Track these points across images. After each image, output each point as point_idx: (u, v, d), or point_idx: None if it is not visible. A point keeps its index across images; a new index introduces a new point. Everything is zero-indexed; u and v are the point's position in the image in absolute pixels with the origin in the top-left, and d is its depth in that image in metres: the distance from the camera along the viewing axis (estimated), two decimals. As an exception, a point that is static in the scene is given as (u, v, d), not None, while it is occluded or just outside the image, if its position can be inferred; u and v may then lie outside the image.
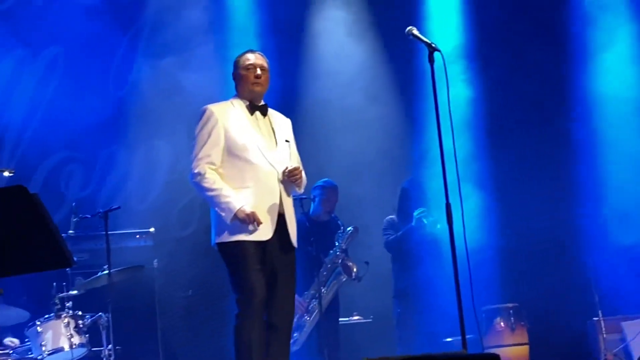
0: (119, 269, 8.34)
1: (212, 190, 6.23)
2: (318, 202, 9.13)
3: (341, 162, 10.65)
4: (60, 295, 8.14)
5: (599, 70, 10.80)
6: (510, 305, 9.38)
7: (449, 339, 8.95)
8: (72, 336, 7.85)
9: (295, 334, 8.63)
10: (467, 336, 5.85)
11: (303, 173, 6.40)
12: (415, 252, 9.02)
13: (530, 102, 10.82)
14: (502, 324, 9.28)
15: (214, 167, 6.28)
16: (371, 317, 9.82)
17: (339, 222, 8.97)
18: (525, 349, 9.27)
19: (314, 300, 8.78)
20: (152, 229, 9.77)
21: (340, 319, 9.46)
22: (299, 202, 8.94)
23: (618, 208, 10.33)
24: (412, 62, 10.49)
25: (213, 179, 6.24)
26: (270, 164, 6.31)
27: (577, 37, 10.94)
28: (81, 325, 8.00)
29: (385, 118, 11.00)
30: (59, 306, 8.04)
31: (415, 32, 6.24)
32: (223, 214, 6.20)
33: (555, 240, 10.34)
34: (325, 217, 9.11)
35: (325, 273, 8.85)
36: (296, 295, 8.37)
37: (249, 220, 6.13)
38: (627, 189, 10.31)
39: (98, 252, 9.01)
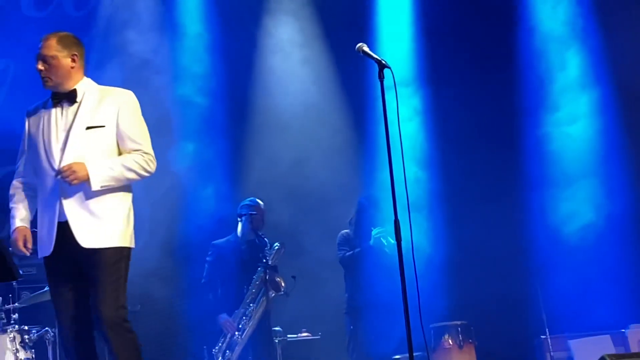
0: (66, 283, 8.20)
1: (9, 208, 5.80)
2: (245, 221, 9.14)
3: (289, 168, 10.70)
4: (7, 307, 8.05)
5: (549, 96, 10.90)
6: (458, 322, 9.40)
7: (397, 357, 8.96)
8: (17, 351, 7.76)
9: (227, 352, 8.80)
10: (415, 354, 5.84)
11: (87, 169, 5.59)
12: (371, 271, 9.04)
13: (480, 123, 10.84)
14: (450, 341, 9.30)
15: (21, 178, 5.84)
16: (319, 333, 9.81)
17: (266, 239, 8.96)
18: (473, 367, 9.31)
19: (243, 318, 8.85)
20: (100, 243, 9.67)
21: (289, 336, 9.49)
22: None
23: (568, 227, 10.42)
24: (362, 76, 10.54)
25: (12, 194, 5.83)
26: (51, 164, 5.64)
27: (528, 64, 11.03)
28: (27, 340, 7.91)
29: (334, 129, 11.02)
30: (4, 320, 7.95)
31: (365, 48, 6.22)
32: None
33: (504, 258, 10.38)
34: (252, 235, 9.11)
35: (254, 290, 8.89)
36: (225, 315, 8.56)
37: (14, 248, 5.67)
38: (578, 210, 10.40)
39: (45, 267, 8.92)
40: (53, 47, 5.81)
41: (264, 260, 8.87)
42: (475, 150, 10.75)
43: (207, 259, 9.17)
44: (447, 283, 10.16)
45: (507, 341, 10.03)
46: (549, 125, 10.82)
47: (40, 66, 5.79)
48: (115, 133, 5.78)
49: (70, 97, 5.79)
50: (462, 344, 9.26)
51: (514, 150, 10.90)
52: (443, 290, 9.99)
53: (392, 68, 6.05)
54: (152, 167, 5.90)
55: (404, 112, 9.56)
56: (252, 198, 9.25)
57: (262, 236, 8.98)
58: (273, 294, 8.88)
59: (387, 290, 8.90)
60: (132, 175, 5.80)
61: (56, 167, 5.61)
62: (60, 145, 5.67)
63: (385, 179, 5.95)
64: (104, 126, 5.73)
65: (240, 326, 8.84)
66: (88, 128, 5.69)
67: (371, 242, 9.04)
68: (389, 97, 5.98)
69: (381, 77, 6.06)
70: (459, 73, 10.93)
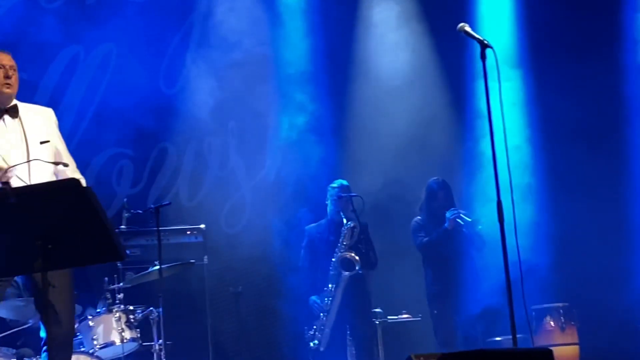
0: (170, 264, 8.32)
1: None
2: (330, 203, 9.20)
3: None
4: (112, 287, 8.19)
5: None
6: (560, 304, 9.35)
7: (497, 338, 8.92)
8: (123, 330, 7.87)
9: (317, 334, 8.98)
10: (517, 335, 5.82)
11: None
12: (450, 254, 9.06)
13: (583, 110, 10.54)
14: (551, 323, 9.24)
15: None
16: (420, 315, 9.80)
17: (343, 219, 9.02)
18: (575, 349, 9.23)
19: (326, 300, 8.98)
20: (202, 226, 9.80)
21: (389, 317, 9.50)
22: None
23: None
24: (460, 55, 10.44)
25: None
26: (21, 178, 5.61)
27: (632, 54, 10.75)
28: (132, 320, 8.01)
29: (431, 110, 10.93)
30: (110, 300, 8.09)
31: (467, 28, 6.22)
32: None
33: (607, 239, 10.22)
34: (338, 217, 9.12)
35: (332, 272, 9.00)
36: (313, 297, 8.97)
37: None
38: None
39: (149, 248, 9.09)
40: (14, 62, 5.92)
41: (339, 241, 8.98)
42: (579, 135, 10.48)
43: (302, 244, 9.31)
44: (548, 264, 10.04)
45: (610, 324, 9.92)
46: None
47: (11, 72, 5.84)
48: (55, 149, 5.96)
49: (12, 112, 5.85)
50: (564, 326, 9.21)
51: (621, 141, 10.65)
52: (545, 271, 9.88)
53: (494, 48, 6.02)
54: None
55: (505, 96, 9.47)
56: (337, 180, 9.30)
57: (342, 216, 9.02)
58: (347, 274, 8.94)
59: (468, 273, 8.91)
60: None
61: (28, 179, 5.65)
62: (24, 157, 5.72)
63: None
64: (49, 141, 5.90)
65: (325, 308, 8.95)
66: (44, 142, 5.86)
67: (446, 224, 9.03)
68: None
69: (483, 58, 6.03)
70: (561, 56, 10.70)
